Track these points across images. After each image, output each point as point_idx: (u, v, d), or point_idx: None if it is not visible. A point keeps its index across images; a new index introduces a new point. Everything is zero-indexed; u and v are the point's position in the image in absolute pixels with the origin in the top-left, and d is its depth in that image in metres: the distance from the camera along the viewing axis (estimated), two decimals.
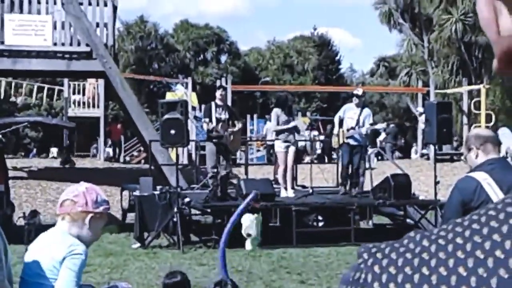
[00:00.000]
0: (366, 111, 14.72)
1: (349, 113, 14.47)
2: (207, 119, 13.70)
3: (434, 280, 0.81)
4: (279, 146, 14.12)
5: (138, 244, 12.54)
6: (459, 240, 0.83)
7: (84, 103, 29.24)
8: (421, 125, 25.61)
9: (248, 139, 27.26)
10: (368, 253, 0.90)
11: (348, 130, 14.32)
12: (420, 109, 30.96)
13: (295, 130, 14.23)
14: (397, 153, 32.38)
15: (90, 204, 3.77)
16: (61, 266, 3.63)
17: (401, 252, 0.87)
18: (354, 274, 0.89)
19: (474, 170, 4.72)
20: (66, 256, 3.64)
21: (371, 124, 14.58)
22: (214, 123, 13.57)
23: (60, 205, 3.82)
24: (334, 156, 19.71)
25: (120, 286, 4.17)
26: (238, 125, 14.11)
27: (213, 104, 13.92)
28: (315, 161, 21.63)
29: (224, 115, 13.83)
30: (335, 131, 14.71)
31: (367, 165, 15.71)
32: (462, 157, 5.14)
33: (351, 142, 14.36)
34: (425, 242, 0.86)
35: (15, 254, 3.41)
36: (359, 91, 14.77)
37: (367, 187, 15.22)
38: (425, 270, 0.82)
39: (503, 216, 0.84)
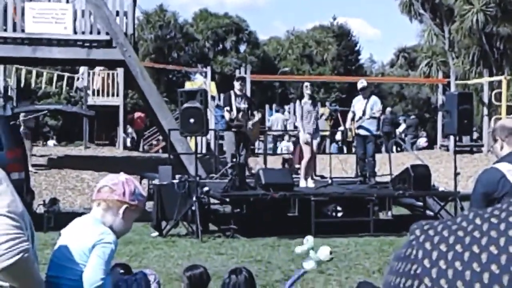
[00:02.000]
0: (373, 99, 14.69)
1: (357, 105, 14.58)
2: (227, 108, 13.71)
3: (484, 258, 0.79)
4: (303, 137, 14.11)
5: (157, 233, 12.56)
6: (511, 219, 0.81)
7: (99, 91, 29.26)
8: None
9: (267, 129, 27.21)
10: (421, 229, 0.88)
11: (356, 121, 14.39)
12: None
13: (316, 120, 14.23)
14: (417, 144, 32.21)
15: (127, 194, 3.79)
16: (90, 253, 3.65)
17: (453, 229, 0.85)
18: (406, 250, 0.88)
19: (499, 161, 4.70)
20: (96, 244, 3.66)
21: (372, 112, 14.53)
22: (235, 112, 13.57)
23: (97, 190, 3.84)
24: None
25: (146, 273, 4.21)
26: (258, 116, 14.14)
27: (232, 93, 13.92)
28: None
29: (244, 105, 13.83)
30: (347, 124, 14.82)
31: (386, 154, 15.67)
32: (489, 147, 5.12)
33: (362, 132, 14.42)
34: (478, 220, 0.84)
35: (36, 240, 3.40)
36: (362, 83, 14.74)
37: (386, 177, 15.16)
38: (475, 249, 0.81)
39: None
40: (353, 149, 18.05)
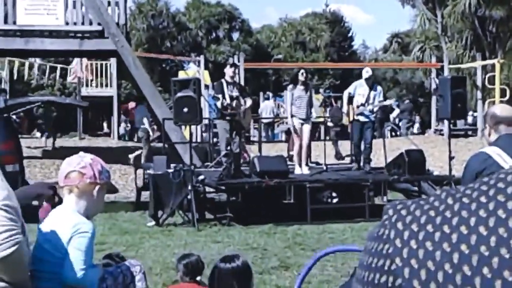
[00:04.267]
0: (377, 89, 14.68)
1: (360, 90, 14.43)
2: (219, 95, 13.71)
3: (454, 238, 0.80)
4: (294, 123, 14.09)
5: (153, 222, 12.57)
6: (483, 199, 0.82)
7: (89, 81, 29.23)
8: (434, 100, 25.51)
9: (261, 116, 27.19)
10: (394, 209, 0.89)
11: (357, 107, 14.29)
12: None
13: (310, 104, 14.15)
14: (412, 129, 32.29)
15: (97, 175, 3.75)
16: (68, 245, 3.63)
17: (425, 209, 0.86)
18: (379, 230, 0.89)
19: (488, 146, 4.81)
20: (72, 236, 3.63)
21: (380, 101, 14.52)
22: (228, 100, 13.57)
23: (64, 176, 3.76)
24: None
25: (130, 264, 4.17)
26: (248, 102, 14.11)
27: (223, 81, 13.91)
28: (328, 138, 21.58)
29: (236, 93, 13.82)
30: (344, 108, 14.68)
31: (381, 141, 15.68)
32: (481, 132, 5.21)
33: (361, 118, 14.34)
34: (450, 200, 0.85)
35: (31, 233, 3.41)
36: (368, 72, 14.58)
37: (381, 163, 15.19)
38: (446, 229, 0.82)
39: None
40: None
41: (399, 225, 0.86)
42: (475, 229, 0.80)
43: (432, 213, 0.85)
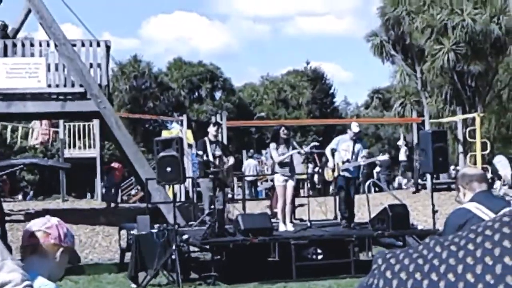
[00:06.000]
0: (361, 143, 14.74)
1: (343, 145, 14.42)
2: (200, 152, 13.75)
3: (442, 286, 0.82)
4: (278, 180, 14.10)
5: (135, 285, 12.45)
6: (470, 247, 0.84)
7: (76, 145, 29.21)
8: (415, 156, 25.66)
9: (244, 174, 27.19)
10: (383, 258, 0.91)
11: (343, 162, 14.26)
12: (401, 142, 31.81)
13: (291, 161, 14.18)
14: (393, 184, 32.39)
15: (62, 237, 3.70)
16: None
17: (414, 257, 0.88)
18: (368, 279, 0.90)
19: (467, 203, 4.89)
20: None
21: (370, 155, 14.58)
22: (211, 157, 13.61)
23: (29, 236, 3.70)
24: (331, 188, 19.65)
25: None
26: (231, 160, 14.16)
27: (206, 139, 13.97)
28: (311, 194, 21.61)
29: (218, 152, 13.87)
30: (330, 164, 14.56)
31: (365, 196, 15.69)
32: (456, 199, 5.33)
33: (347, 174, 14.32)
34: (438, 248, 0.87)
35: None
36: (358, 127, 14.63)
37: (365, 218, 15.18)
38: (434, 276, 0.83)
39: None
40: (330, 191, 18.03)
41: (388, 274, 0.87)
42: (462, 277, 0.81)
43: (420, 261, 0.87)
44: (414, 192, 24.77)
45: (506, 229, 0.84)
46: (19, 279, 2.91)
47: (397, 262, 0.90)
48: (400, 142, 33.53)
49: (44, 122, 28.16)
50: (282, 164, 13.96)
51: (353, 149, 14.28)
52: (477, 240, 0.85)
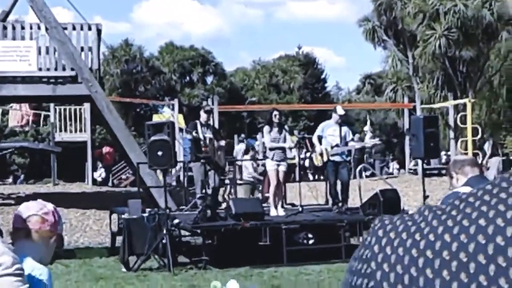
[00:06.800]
0: (346, 127, 14.74)
1: (329, 131, 14.40)
2: (191, 131, 13.74)
3: (436, 264, 0.82)
4: (270, 165, 14.10)
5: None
6: (465, 223, 0.84)
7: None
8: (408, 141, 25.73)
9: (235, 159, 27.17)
10: (383, 229, 0.92)
11: (332, 147, 14.23)
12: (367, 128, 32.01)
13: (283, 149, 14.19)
14: (387, 169, 32.48)
15: (57, 224, 3.68)
16: None
17: (411, 232, 0.88)
18: (364, 238, 0.92)
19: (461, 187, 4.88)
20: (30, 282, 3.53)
21: (358, 140, 14.60)
22: (201, 137, 13.60)
23: (23, 220, 3.63)
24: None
25: None
26: (222, 143, 14.13)
27: (198, 122, 13.96)
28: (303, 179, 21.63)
29: (209, 134, 13.85)
30: (318, 149, 14.53)
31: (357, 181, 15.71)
32: (449, 187, 5.37)
33: (337, 159, 14.30)
34: (435, 222, 0.87)
35: None
36: (342, 110, 14.67)
37: (356, 203, 15.21)
38: (429, 254, 0.84)
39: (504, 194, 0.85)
40: (322, 176, 18.04)
41: (388, 250, 0.88)
42: (456, 255, 0.82)
43: (417, 236, 0.88)
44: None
45: (501, 206, 0.85)
46: (9, 262, 2.89)
47: (390, 223, 0.92)
48: (367, 128, 33.48)
49: (24, 104, 28.07)
50: (273, 149, 13.98)
51: (340, 133, 14.27)
52: (473, 215, 0.86)
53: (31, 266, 3.49)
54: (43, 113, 30.92)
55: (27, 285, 2.89)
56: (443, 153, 28.62)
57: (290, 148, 14.82)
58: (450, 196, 4.85)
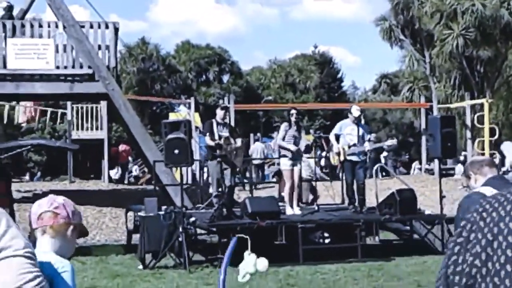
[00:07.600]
0: (364, 126, 14.70)
1: (347, 129, 14.37)
2: (207, 133, 13.73)
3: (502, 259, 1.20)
4: (285, 164, 14.08)
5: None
6: None
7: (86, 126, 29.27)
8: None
9: (251, 157, 27.17)
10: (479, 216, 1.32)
11: (349, 147, 14.19)
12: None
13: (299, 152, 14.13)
14: (401, 169, 32.40)
15: (71, 215, 3.71)
16: (53, 285, 3.56)
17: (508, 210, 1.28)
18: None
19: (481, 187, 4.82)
20: (53, 275, 3.56)
21: (375, 140, 14.53)
22: (217, 138, 13.58)
23: (37, 218, 3.70)
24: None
25: None
26: (238, 142, 14.06)
27: (213, 121, 13.94)
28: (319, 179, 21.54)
29: (226, 133, 13.83)
30: (335, 148, 14.49)
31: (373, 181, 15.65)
32: (464, 185, 5.39)
33: (354, 158, 14.25)
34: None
35: None
36: (358, 110, 14.60)
37: (373, 203, 15.16)
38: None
39: None
40: (339, 175, 17.96)
41: (481, 210, 1.31)
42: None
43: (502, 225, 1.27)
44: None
45: None
46: (21, 245, 2.91)
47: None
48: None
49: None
50: (282, 148, 13.99)
51: (358, 132, 14.24)
52: None
53: (54, 259, 3.53)
54: (60, 111, 31.04)
55: (38, 269, 2.89)
56: (462, 153, 28.50)
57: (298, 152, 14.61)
58: (473, 197, 4.79)
